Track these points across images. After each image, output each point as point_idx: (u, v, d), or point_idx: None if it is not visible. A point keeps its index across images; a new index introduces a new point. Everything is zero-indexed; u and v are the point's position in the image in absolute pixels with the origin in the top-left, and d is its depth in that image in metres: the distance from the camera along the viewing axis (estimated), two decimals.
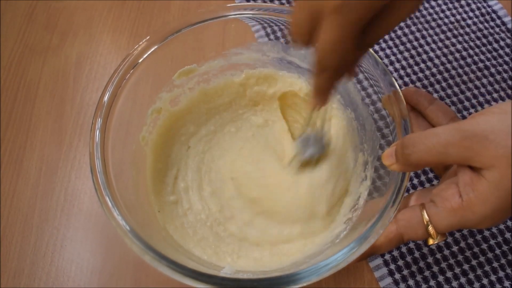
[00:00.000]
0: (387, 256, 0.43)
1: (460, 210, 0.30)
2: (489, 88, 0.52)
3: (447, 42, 0.56)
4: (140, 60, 0.39)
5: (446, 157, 0.29)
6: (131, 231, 0.31)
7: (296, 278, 0.30)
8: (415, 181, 0.47)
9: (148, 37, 0.39)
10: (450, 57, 0.54)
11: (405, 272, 0.42)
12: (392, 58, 0.54)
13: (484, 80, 0.53)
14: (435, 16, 0.57)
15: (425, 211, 0.31)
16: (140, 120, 0.42)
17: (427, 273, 0.42)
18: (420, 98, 0.38)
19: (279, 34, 0.53)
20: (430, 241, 0.32)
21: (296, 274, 0.30)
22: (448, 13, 0.58)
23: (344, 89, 0.42)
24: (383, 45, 0.55)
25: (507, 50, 0.55)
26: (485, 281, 0.42)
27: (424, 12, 0.58)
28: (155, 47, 0.39)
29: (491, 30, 0.56)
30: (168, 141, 0.44)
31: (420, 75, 0.53)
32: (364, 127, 0.41)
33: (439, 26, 0.57)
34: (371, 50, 0.39)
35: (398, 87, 0.37)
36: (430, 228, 0.31)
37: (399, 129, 0.35)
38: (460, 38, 0.56)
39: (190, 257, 0.37)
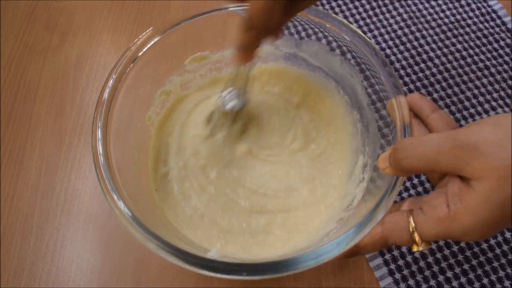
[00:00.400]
0: (387, 256, 0.43)
1: (446, 220, 0.29)
2: (489, 88, 0.52)
3: (447, 42, 0.56)
4: (148, 45, 0.40)
5: (437, 165, 0.29)
6: (132, 217, 0.32)
7: (275, 268, 0.30)
8: (415, 180, 0.47)
9: (151, 28, 0.40)
10: (450, 57, 0.54)
11: (405, 271, 0.42)
12: (392, 58, 0.54)
13: (484, 80, 0.53)
14: (435, 16, 0.57)
15: (412, 217, 0.31)
16: (146, 100, 0.43)
17: (427, 272, 0.42)
18: (423, 106, 0.38)
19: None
20: (415, 248, 0.32)
21: (277, 263, 0.30)
22: (448, 13, 0.58)
23: (352, 90, 0.43)
24: (383, 45, 0.55)
25: (507, 50, 0.55)
26: (485, 280, 0.42)
27: (424, 12, 0.58)
28: (163, 34, 0.40)
29: (491, 30, 0.56)
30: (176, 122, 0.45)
31: (420, 75, 0.53)
32: (368, 130, 0.41)
33: (439, 26, 0.57)
34: (377, 48, 0.39)
35: (402, 90, 0.37)
36: (415, 235, 0.31)
37: (399, 133, 0.35)
38: (460, 38, 0.56)
39: (183, 239, 0.38)
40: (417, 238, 0.31)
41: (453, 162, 0.28)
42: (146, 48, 0.39)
